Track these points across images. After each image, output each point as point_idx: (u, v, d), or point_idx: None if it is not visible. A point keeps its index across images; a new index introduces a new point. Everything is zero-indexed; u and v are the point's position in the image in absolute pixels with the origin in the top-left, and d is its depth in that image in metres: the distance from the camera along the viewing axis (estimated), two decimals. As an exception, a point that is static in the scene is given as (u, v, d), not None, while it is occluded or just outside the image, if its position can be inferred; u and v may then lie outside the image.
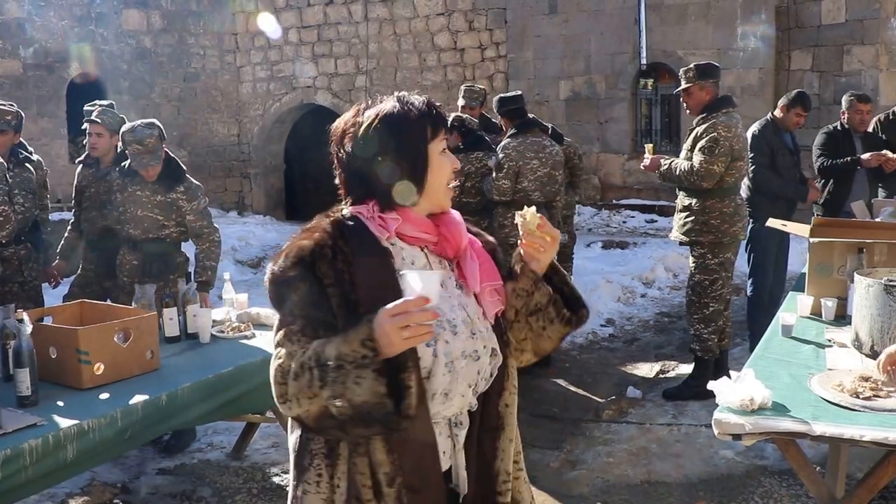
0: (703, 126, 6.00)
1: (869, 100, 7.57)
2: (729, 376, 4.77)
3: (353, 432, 1.90)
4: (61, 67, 15.08)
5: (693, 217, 6.04)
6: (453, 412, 2.06)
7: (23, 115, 5.96)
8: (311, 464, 2.03)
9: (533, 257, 2.16)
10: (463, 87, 8.16)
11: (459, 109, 7.74)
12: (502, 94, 7.19)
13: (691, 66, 6.18)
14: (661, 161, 6.18)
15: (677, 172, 6.03)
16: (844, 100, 7.50)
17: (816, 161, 7.28)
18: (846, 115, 7.40)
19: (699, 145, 5.94)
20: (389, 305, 1.81)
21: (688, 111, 6.27)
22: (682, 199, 6.16)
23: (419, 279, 1.83)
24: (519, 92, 7.22)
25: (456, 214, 2.17)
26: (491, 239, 2.32)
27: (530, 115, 7.10)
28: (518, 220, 2.11)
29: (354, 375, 1.80)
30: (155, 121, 5.60)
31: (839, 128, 7.45)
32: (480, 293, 2.12)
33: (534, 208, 2.13)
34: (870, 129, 7.69)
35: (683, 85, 6.14)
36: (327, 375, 1.83)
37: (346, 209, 2.10)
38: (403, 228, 2.06)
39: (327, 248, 1.96)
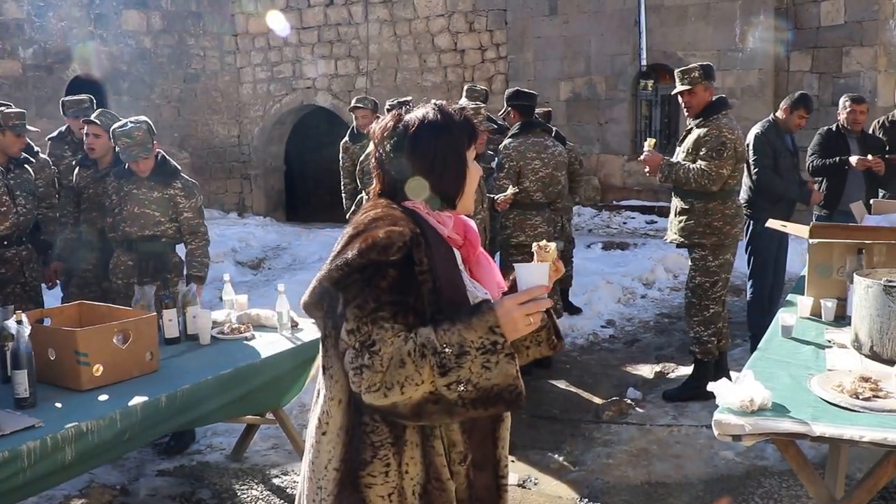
0: (706, 129, 5.95)
1: (864, 101, 7.63)
2: (729, 377, 4.77)
3: (465, 415, 1.99)
4: (61, 68, 15.09)
5: (695, 219, 6.01)
6: None
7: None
8: (377, 455, 2.05)
9: None
10: (466, 87, 8.23)
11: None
12: (519, 88, 7.18)
13: (696, 66, 6.11)
14: (663, 161, 6.09)
15: (684, 174, 5.92)
16: (841, 101, 7.56)
17: (808, 160, 7.32)
18: (842, 116, 7.46)
19: (706, 148, 5.88)
20: (514, 295, 1.98)
21: (687, 111, 6.21)
22: (681, 202, 6.10)
23: (536, 270, 2.01)
24: (535, 93, 7.24)
25: (470, 220, 2.26)
26: None
27: (537, 117, 7.11)
28: (535, 248, 2.20)
29: (483, 360, 1.92)
30: (143, 117, 5.67)
31: (833, 129, 7.51)
32: (491, 292, 2.21)
33: (554, 245, 2.23)
34: (869, 131, 7.74)
35: (686, 86, 6.06)
36: (449, 363, 1.92)
37: (393, 204, 2.17)
38: (442, 230, 2.16)
39: (419, 237, 2.04)
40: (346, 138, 8.97)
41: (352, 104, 8.88)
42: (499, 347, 1.93)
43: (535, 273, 2.01)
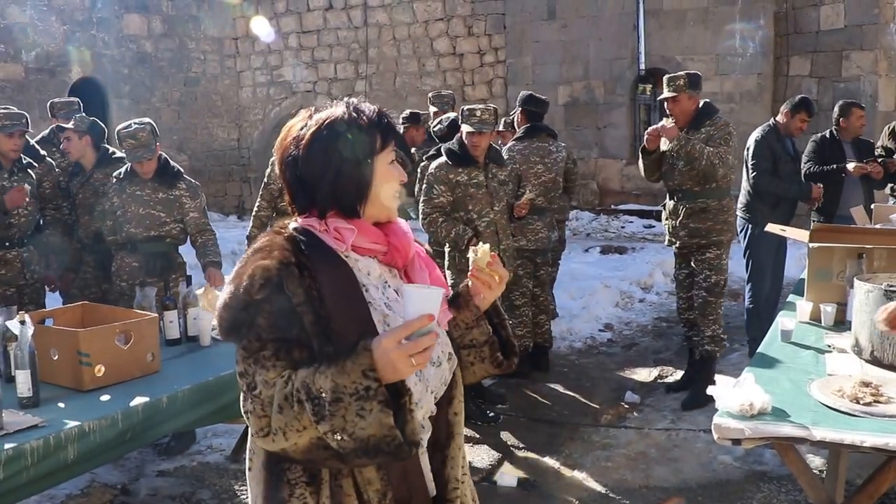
0: (713, 127, 6.04)
1: (864, 107, 7.63)
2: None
3: (355, 463, 1.83)
4: (63, 71, 15.08)
5: (713, 218, 6.08)
6: (420, 419, 2.02)
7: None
8: (293, 494, 1.93)
9: (479, 292, 2.11)
10: (430, 95, 8.38)
11: (431, 115, 7.91)
12: (532, 93, 7.18)
13: (681, 74, 6.16)
14: (680, 133, 6.05)
15: (700, 149, 5.91)
16: (840, 108, 7.52)
17: (804, 167, 7.31)
18: (846, 123, 7.42)
19: (716, 137, 5.97)
20: (392, 331, 1.75)
21: (673, 119, 6.20)
22: (691, 204, 6.13)
23: (423, 296, 1.76)
24: (546, 99, 7.25)
25: (402, 223, 2.11)
26: (427, 247, 2.26)
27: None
28: (470, 254, 2.07)
29: (357, 408, 1.72)
30: (147, 119, 5.73)
31: (827, 136, 7.50)
32: None
33: (487, 246, 2.07)
34: (879, 139, 7.79)
35: (671, 93, 6.10)
36: (323, 409, 1.73)
37: (292, 223, 2.02)
38: (357, 240, 1.98)
39: (293, 266, 1.87)
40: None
41: None
42: (371, 393, 1.72)
43: (423, 299, 1.74)
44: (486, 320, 2.16)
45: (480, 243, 2.09)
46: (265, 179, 6.54)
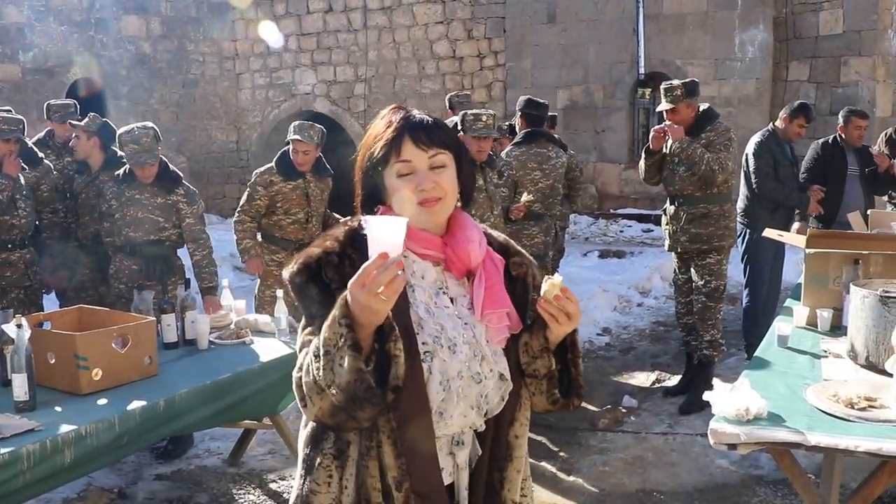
0: (713, 132, 6.03)
1: (867, 115, 7.60)
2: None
3: (361, 417, 1.84)
4: (61, 72, 15.08)
5: (714, 223, 6.09)
6: (454, 431, 2.03)
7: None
8: (321, 464, 2.01)
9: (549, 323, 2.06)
10: (450, 96, 8.38)
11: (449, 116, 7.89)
12: (531, 97, 7.17)
13: (677, 84, 6.13)
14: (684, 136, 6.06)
15: (700, 154, 5.91)
16: (841, 115, 7.51)
17: (802, 175, 7.28)
18: (844, 131, 7.41)
19: (716, 143, 5.97)
20: (354, 277, 1.76)
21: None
22: (692, 209, 6.13)
23: (379, 229, 1.78)
24: (546, 102, 7.23)
25: (473, 233, 2.11)
26: (528, 260, 2.26)
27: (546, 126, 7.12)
28: (543, 285, 2.04)
29: (339, 358, 1.77)
30: (149, 123, 5.71)
31: (829, 141, 7.47)
32: (484, 318, 2.05)
33: (560, 279, 2.04)
34: (875, 144, 7.78)
35: (669, 104, 6.09)
36: (320, 366, 1.80)
37: (362, 219, 2.06)
38: (410, 244, 1.99)
39: (333, 255, 1.96)
40: (274, 168, 6.41)
41: (293, 135, 6.29)
42: (342, 341, 1.76)
43: (381, 231, 1.77)
44: (551, 353, 2.10)
45: (556, 274, 2.05)
46: (249, 190, 6.51)
